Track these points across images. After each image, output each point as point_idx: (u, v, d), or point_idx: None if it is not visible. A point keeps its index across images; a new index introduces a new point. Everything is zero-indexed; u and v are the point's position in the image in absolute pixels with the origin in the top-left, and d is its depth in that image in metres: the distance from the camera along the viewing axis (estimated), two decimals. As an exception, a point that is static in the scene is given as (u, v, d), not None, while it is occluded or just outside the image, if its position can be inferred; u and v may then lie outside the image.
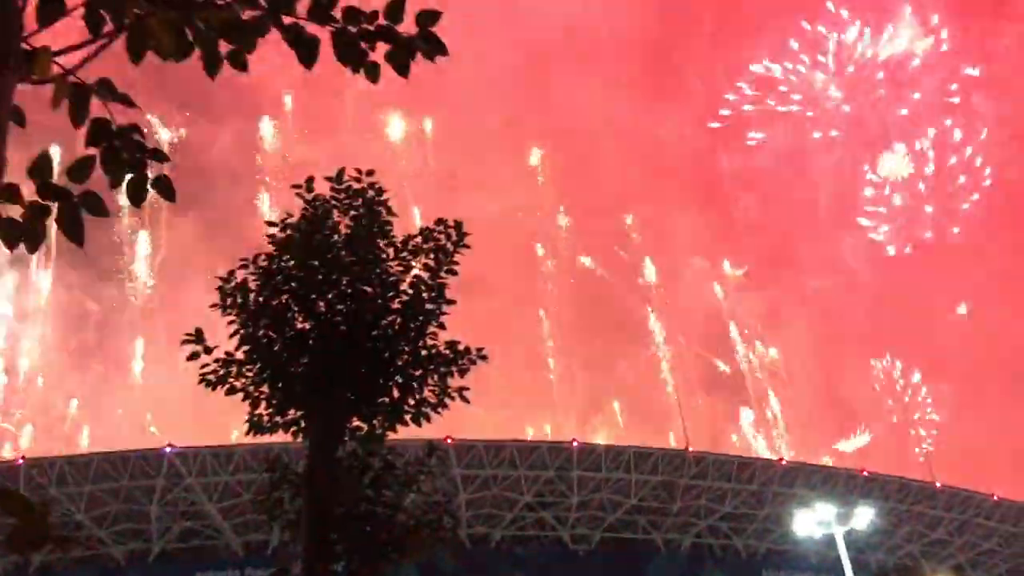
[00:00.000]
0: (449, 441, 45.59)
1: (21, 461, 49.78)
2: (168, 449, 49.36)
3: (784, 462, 60.52)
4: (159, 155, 3.94)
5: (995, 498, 63.35)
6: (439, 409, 10.11)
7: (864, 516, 40.42)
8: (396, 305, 10.12)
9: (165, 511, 50.90)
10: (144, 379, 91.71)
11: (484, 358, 10.20)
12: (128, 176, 3.83)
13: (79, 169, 3.66)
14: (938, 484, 63.91)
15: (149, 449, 50.81)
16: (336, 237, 10.13)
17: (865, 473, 60.92)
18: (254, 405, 9.91)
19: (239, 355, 9.86)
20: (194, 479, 49.49)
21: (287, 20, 3.68)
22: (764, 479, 57.54)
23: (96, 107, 3.64)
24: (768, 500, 57.64)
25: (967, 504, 62.59)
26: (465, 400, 10.04)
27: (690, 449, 59.06)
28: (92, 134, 3.72)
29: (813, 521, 41.32)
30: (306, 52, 3.77)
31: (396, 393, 10.00)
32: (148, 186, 3.96)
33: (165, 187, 4.05)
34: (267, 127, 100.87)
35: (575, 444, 54.33)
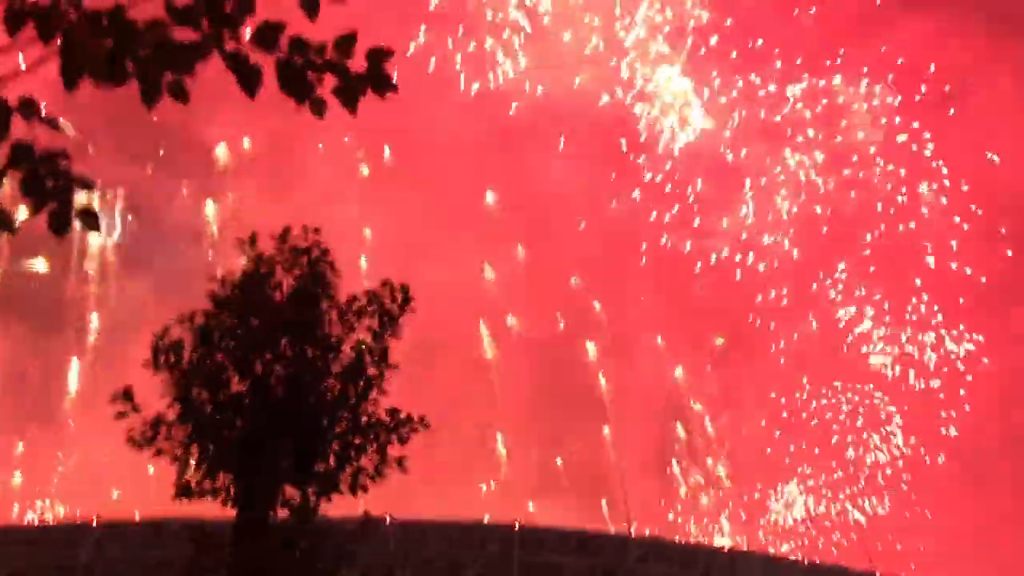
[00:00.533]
0: (388, 519, 44.34)
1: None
2: (94, 522, 47.24)
3: (727, 550, 60.00)
4: (85, 183, 3.71)
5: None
6: (377, 479, 9.73)
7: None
8: (336, 368, 9.81)
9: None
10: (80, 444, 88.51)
11: (426, 426, 9.90)
12: (52, 204, 3.64)
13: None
14: (878, 574, 63.80)
15: (72, 521, 48.58)
16: (278, 296, 9.85)
17: (794, 557, 60.59)
18: (183, 469, 9.44)
19: (169, 415, 9.44)
20: (120, 553, 47.28)
21: (230, 47, 3.55)
22: (707, 565, 56.88)
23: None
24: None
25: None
26: (404, 470, 9.70)
27: (633, 533, 58.30)
28: (12, 156, 3.48)
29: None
30: (247, 81, 3.62)
31: (332, 461, 9.61)
32: (72, 217, 3.76)
33: (90, 218, 3.81)
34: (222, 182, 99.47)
35: (518, 525, 53.25)
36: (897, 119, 66.42)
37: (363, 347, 9.88)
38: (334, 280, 10.07)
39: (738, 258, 70.46)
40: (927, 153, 65.61)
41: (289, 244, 9.97)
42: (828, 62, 65.10)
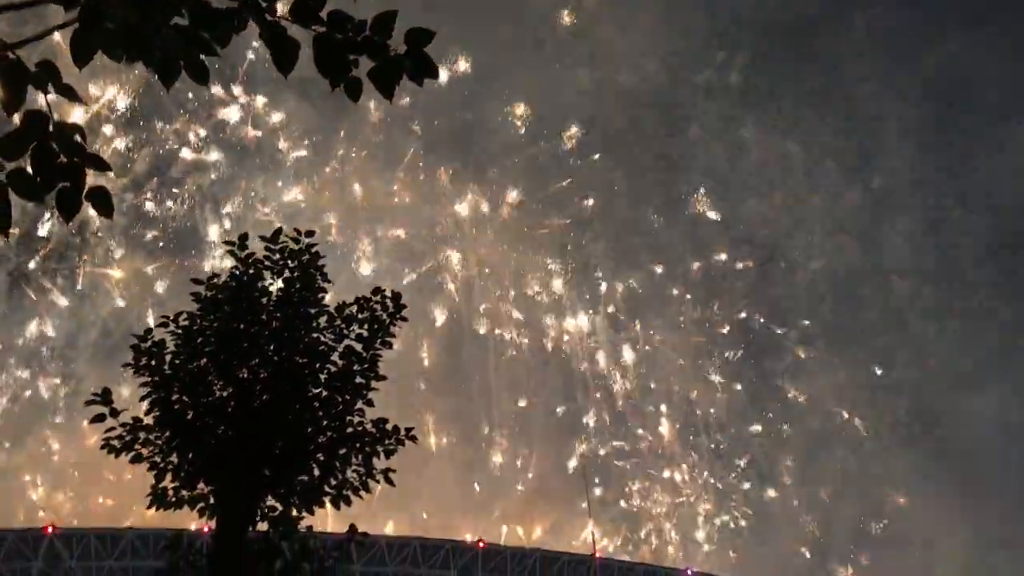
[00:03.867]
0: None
1: None
2: (50, 530, 46.19)
3: (691, 572, 59.96)
4: (100, 163, 3.43)
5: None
6: (361, 492, 9.43)
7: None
8: (323, 376, 9.52)
9: (39, 597, 47.30)
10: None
11: (413, 439, 9.63)
12: (61, 184, 3.33)
13: (7, 145, 3.13)
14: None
15: (28, 529, 47.47)
16: (266, 300, 9.55)
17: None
18: (159, 476, 9.07)
19: (148, 420, 9.08)
20: (76, 563, 46.27)
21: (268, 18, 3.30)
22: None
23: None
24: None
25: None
26: (391, 483, 9.41)
27: (597, 554, 58.14)
28: (25, 125, 3.19)
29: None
30: (285, 55, 3.36)
31: (316, 472, 9.30)
32: (82, 197, 3.46)
33: (102, 201, 3.53)
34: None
35: (481, 545, 52.89)
36: None
37: (352, 355, 9.59)
38: (324, 285, 9.79)
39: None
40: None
41: (279, 246, 9.68)
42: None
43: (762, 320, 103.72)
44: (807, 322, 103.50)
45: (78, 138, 3.34)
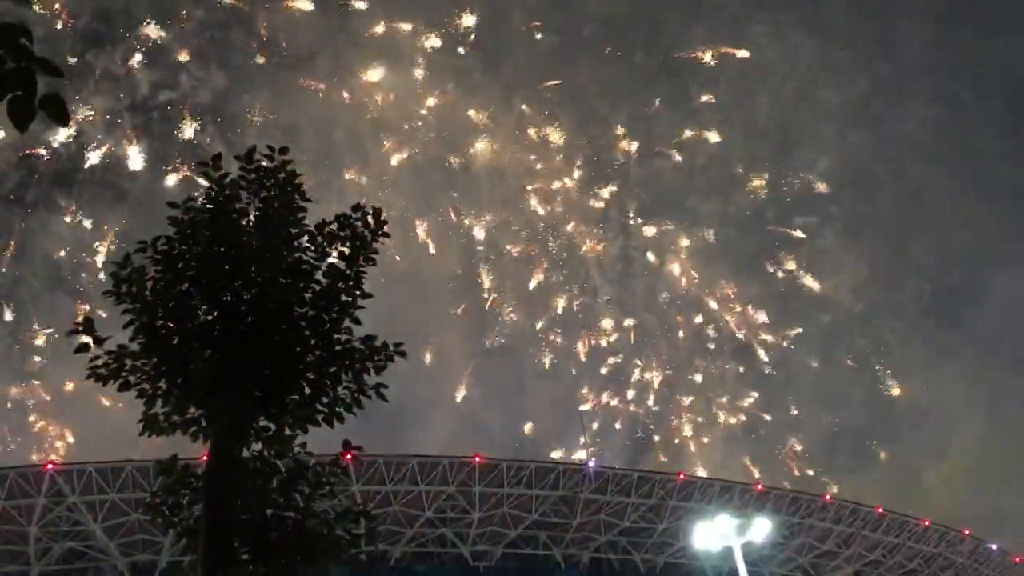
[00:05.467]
0: (349, 457, 44.32)
1: None
2: (50, 466, 46.59)
3: (682, 476, 61.24)
4: (51, 68, 3.26)
5: (880, 511, 65.59)
6: (354, 409, 9.44)
7: (762, 528, 40.95)
8: (308, 295, 9.42)
9: (45, 532, 47.99)
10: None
11: (402, 354, 9.59)
12: (13, 93, 3.16)
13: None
14: (828, 496, 65.85)
15: (28, 466, 47.87)
16: (245, 222, 9.37)
17: (760, 487, 62.25)
18: (149, 403, 9.03)
19: (134, 347, 8.98)
20: (78, 497, 46.83)
21: None
22: (663, 493, 58.10)
23: None
24: (666, 514, 58.22)
25: (854, 516, 64.59)
26: (383, 399, 9.41)
27: (590, 463, 59.25)
28: (-33, 29, 3.00)
29: (711, 534, 41.67)
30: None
31: (307, 391, 9.28)
32: (36, 106, 3.28)
33: (55, 107, 3.36)
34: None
35: (477, 459, 53.75)
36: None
37: (336, 274, 9.48)
38: (303, 204, 9.61)
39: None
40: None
41: (254, 165, 9.45)
42: None
43: (776, 215, 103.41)
44: (823, 212, 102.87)
45: (24, 41, 3.16)
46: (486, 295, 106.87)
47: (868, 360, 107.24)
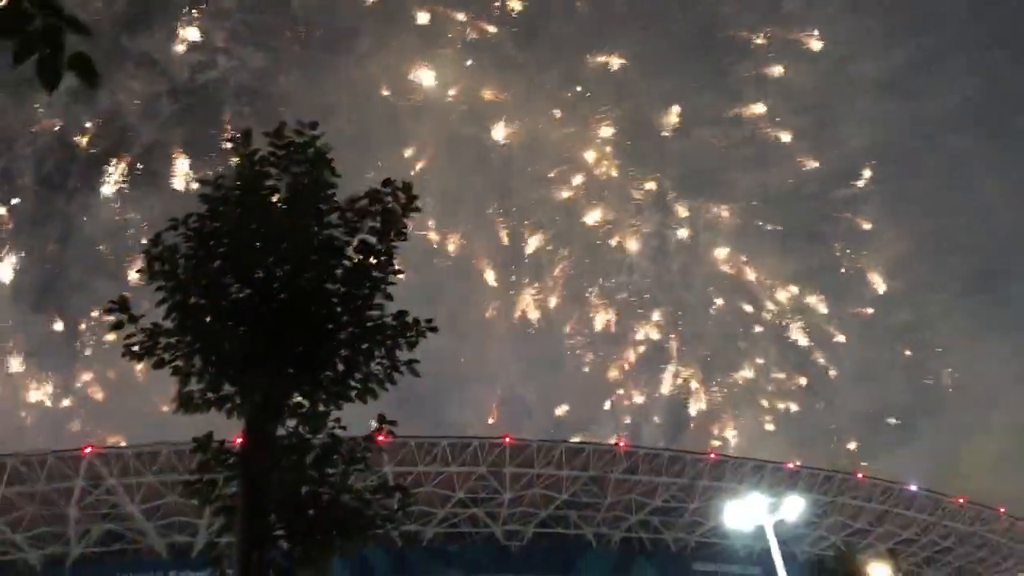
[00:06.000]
0: (381, 438, 44.56)
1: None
2: (88, 450, 47.32)
3: (713, 455, 61.04)
4: (79, 26, 3.18)
5: (914, 489, 65.04)
6: (387, 385, 9.40)
7: (794, 507, 40.64)
8: (339, 272, 9.37)
9: (85, 514, 48.80)
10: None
11: (434, 330, 9.53)
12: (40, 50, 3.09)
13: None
14: (861, 475, 65.39)
15: (67, 450, 48.65)
16: (276, 198, 9.33)
17: (791, 465, 61.90)
18: (184, 381, 9.05)
19: (167, 325, 8.99)
20: (116, 480, 47.53)
21: None
22: (694, 472, 57.95)
23: None
24: (698, 493, 58.07)
25: (887, 495, 64.11)
26: (416, 374, 9.36)
27: (621, 443, 59.20)
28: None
29: (743, 513, 41.42)
30: None
31: (340, 367, 9.25)
32: (63, 65, 3.21)
33: (85, 67, 3.29)
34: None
35: (507, 440, 53.89)
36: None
37: (367, 249, 9.42)
38: (333, 181, 9.54)
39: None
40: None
41: (284, 142, 9.39)
42: None
43: (817, 190, 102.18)
44: (860, 186, 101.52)
45: (53, -3, 3.08)
46: (527, 266, 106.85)
47: (910, 337, 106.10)
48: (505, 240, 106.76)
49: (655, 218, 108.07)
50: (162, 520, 49.18)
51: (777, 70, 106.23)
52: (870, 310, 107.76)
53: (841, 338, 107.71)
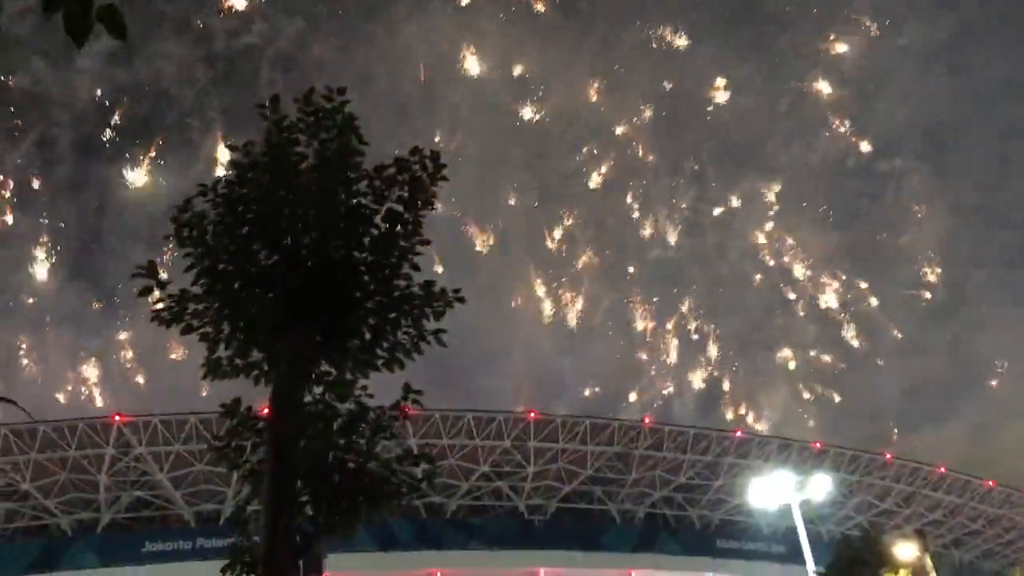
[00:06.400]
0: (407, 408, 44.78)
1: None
2: (117, 418, 48.03)
3: (739, 433, 60.85)
4: (108, -22, 3.13)
5: (942, 470, 64.50)
6: (413, 354, 9.38)
7: (820, 486, 40.41)
8: (367, 241, 9.33)
9: (114, 481, 49.64)
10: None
11: (461, 300, 9.48)
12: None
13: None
14: (888, 455, 64.92)
15: (97, 418, 49.40)
16: (304, 165, 9.29)
17: (818, 445, 61.58)
18: (213, 347, 9.08)
19: (196, 291, 9.02)
20: (145, 448, 48.25)
21: None
22: (719, 450, 57.82)
23: None
24: (723, 471, 57.97)
25: (915, 475, 63.63)
26: (443, 344, 9.34)
27: (646, 420, 59.13)
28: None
29: (768, 491, 41.23)
30: None
31: (367, 336, 9.24)
32: (92, 19, 3.17)
33: (113, 20, 3.24)
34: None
35: (532, 415, 54.00)
36: None
37: (395, 217, 9.36)
38: (361, 148, 9.47)
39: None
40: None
41: (313, 108, 9.34)
42: None
43: (858, 163, 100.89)
44: (906, 161, 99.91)
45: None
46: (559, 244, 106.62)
47: (951, 313, 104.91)
48: (538, 216, 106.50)
49: (691, 192, 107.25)
50: (190, 488, 49.93)
51: (825, 44, 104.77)
52: (914, 290, 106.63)
53: (881, 315, 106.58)
